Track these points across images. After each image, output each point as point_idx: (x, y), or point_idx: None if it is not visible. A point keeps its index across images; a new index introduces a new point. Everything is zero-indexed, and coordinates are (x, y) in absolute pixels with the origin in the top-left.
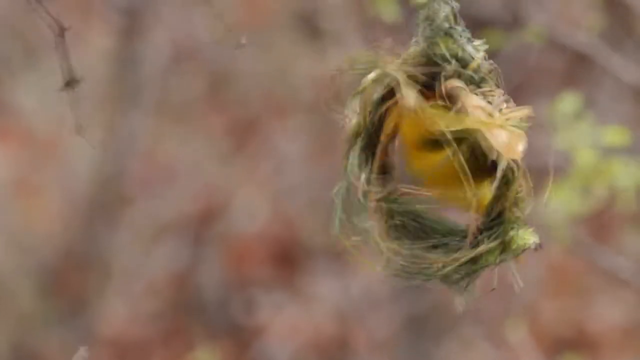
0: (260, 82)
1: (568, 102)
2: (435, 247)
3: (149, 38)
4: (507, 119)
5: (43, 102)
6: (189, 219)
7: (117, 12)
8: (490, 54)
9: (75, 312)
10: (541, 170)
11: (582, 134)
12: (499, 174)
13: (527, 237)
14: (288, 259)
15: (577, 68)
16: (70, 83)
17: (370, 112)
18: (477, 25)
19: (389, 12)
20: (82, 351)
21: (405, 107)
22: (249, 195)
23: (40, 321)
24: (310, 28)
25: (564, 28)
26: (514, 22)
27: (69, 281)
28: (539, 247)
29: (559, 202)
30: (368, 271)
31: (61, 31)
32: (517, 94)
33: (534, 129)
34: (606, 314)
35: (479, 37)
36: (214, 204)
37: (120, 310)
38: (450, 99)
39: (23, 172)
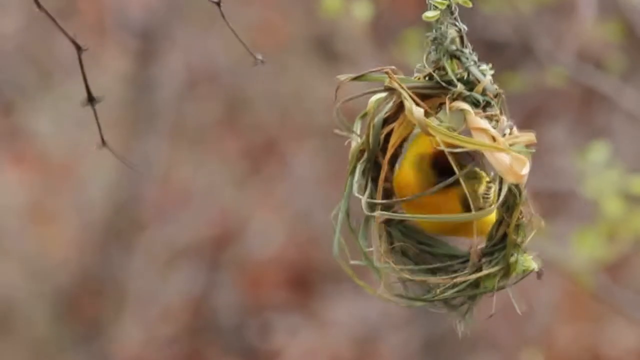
0: (275, 105)
1: (597, 152)
2: (436, 270)
3: (165, 62)
4: (511, 144)
5: (58, 127)
6: (205, 244)
7: (133, 36)
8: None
9: (90, 337)
10: (556, 193)
11: (610, 183)
12: (500, 198)
13: (527, 263)
14: (304, 283)
15: (593, 92)
16: (91, 100)
17: (374, 134)
18: (490, 50)
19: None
20: None
21: (411, 121)
22: (265, 219)
23: (55, 346)
24: (326, 51)
25: (574, 58)
26: (523, 48)
27: (84, 306)
28: (540, 275)
29: (584, 250)
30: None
31: (79, 51)
32: (533, 118)
33: (550, 152)
34: (621, 338)
35: (490, 63)
36: (230, 229)
37: (136, 335)
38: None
39: (38, 197)
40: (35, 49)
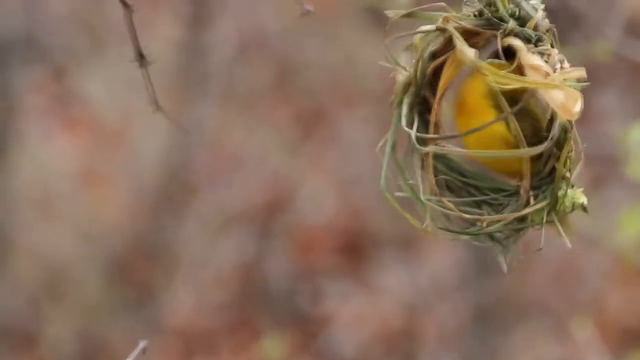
0: (327, 71)
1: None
2: (481, 203)
3: (216, 27)
4: (565, 79)
5: (110, 92)
6: (256, 209)
7: (185, 1)
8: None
9: (141, 302)
10: (605, 158)
11: None
12: (553, 131)
13: (577, 197)
14: (355, 249)
15: None
16: (142, 58)
17: (421, 67)
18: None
19: None
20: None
21: (462, 61)
22: (316, 185)
23: (107, 311)
24: (377, 17)
25: (622, 31)
26: (570, 18)
27: (135, 271)
28: (585, 209)
29: (631, 228)
30: (435, 261)
31: (129, 11)
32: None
33: (600, 119)
34: None
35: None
36: (281, 194)
37: (187, 301)
38: (507, 57)
39: (91, 162)
40: (87, 13)
